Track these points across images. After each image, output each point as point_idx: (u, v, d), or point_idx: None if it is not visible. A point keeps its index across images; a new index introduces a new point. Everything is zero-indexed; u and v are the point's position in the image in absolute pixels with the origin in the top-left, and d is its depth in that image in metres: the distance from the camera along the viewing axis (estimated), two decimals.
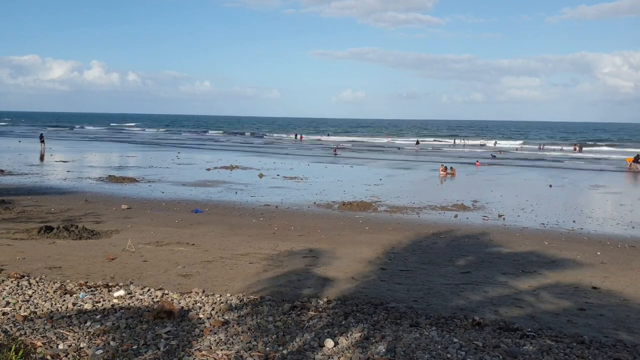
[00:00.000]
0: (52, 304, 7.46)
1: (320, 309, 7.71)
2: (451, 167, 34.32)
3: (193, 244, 12.74)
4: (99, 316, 6.91)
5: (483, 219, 18.12)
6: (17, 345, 5.41)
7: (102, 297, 7.93)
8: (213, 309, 7.44)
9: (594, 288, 9.95)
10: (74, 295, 7.96)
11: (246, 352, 5.91)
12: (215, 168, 34.71)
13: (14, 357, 5.16)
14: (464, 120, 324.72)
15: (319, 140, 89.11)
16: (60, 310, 7.19)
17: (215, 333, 6.46)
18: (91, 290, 8.28)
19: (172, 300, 7.78)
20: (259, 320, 7.01)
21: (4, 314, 6.89)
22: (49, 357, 5.49)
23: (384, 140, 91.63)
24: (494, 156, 53.91)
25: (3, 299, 7.57)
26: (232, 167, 34.86)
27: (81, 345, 5.86)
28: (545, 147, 75.51)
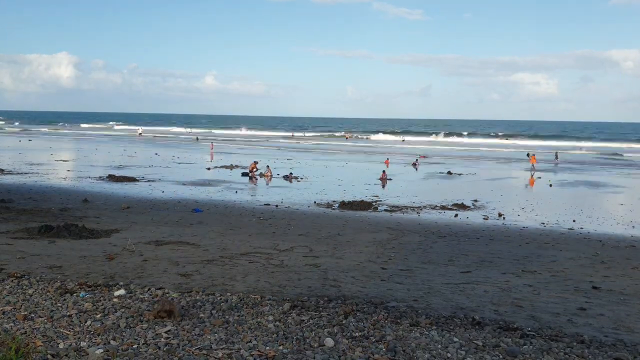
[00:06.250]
0: (52, 303, 7.46)
1: (321, 308, 7.72)
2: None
3: (193, 244, 12.74)
4: (99, 315, 6.92)
5: (483, 219, 18.12)
6: (18, 345, 5.41)
7: (102, 296, 7.94)
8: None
9: (594, 288, 9.95)
10: (74, 294, 7.96)
11: (246, 351, 5.92)
12: (215, 167, 34.74)
13: (14, 357, 5.16)
14: (482, 119, 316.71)
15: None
16: (60, 309, 7.20)
17: (215, 332, 6.47)
18: (91, 290, 8.28)
19: (172, 299, 7.78)
20: (259, 320, 7.01)
21: (4, 313, 6.90)
22: (49, 356, 5.49)
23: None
24: None
25: (3, 298, 7.58)
26: (232, 167, 34.89)
27: (81, 345, 5.86)
28: None
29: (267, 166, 31.52)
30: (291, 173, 30.43)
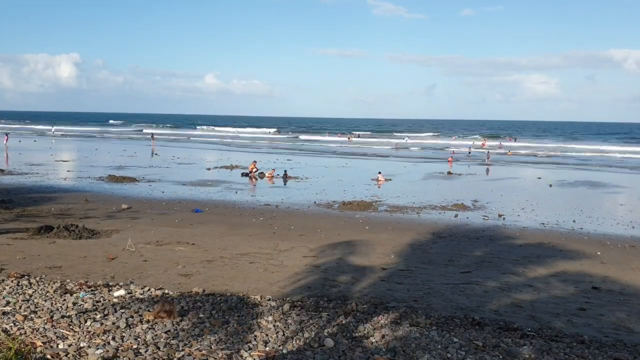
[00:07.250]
0: (52, 303, 7.46)
1: (321, 309, 7.72)
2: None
3: (193, 244, 12.74)
4: (99, 316, 6.92)
5: (483, 219, 18.11)
6: (18, 345, 5.41)
7: (102, 296, 7.94)
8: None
9: (594, 288, 9.95)
10: (74, 294, 7.96)
11: (246, 351, 5.91)
12: (216, 168, 34.73)
13: (13, 357, 5.16)
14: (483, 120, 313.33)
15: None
16: (60, 309, 7.20)
17: (215, 333, 6.47)
18: (91, 290, 8.28)
19: (172, 299, 7.78)
20: (259, 320, 7.01)
21: (4, 313, 6.90)
22: (49, 356, 5.49)
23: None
24: None
25: (3, 298, 7.58)
26: (232, 167, 34.88)
27: (81, 345, 5.86)
28: None
29: (269, 169, 31.44)
30: (285, 172, 30.36)
